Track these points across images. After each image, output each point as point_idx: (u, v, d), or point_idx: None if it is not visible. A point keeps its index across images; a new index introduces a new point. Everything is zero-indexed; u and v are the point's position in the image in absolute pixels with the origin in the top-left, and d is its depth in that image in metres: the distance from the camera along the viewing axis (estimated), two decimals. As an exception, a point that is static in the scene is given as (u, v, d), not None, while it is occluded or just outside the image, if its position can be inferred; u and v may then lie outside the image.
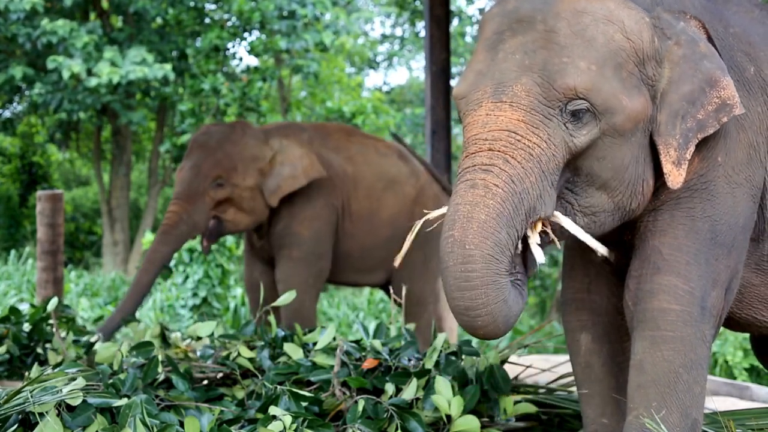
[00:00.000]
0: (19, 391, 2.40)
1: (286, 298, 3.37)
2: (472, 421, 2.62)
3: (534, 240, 2.09)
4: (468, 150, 2.08)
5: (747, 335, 7.34)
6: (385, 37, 19.17)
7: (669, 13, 2.21)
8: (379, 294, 9.58)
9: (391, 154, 5.15)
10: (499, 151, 2.04)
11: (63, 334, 3.55)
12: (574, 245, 2.44)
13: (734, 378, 7.40)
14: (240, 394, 3.00)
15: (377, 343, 3.06)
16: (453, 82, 17.87)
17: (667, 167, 2.16)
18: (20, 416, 2.40)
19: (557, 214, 2.11)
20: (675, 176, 2.15)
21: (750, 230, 2.32)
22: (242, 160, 4.64)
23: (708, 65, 2.18)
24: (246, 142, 4.69)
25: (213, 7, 12.87)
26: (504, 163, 2.03)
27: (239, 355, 3.09)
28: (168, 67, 10.73)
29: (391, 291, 3.59)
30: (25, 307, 3.95)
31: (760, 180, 2.32)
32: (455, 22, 16.67)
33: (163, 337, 3.35)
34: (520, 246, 2.07)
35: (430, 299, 5.17)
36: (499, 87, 2.08)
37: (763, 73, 2.35)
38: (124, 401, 2.49)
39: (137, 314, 8.51)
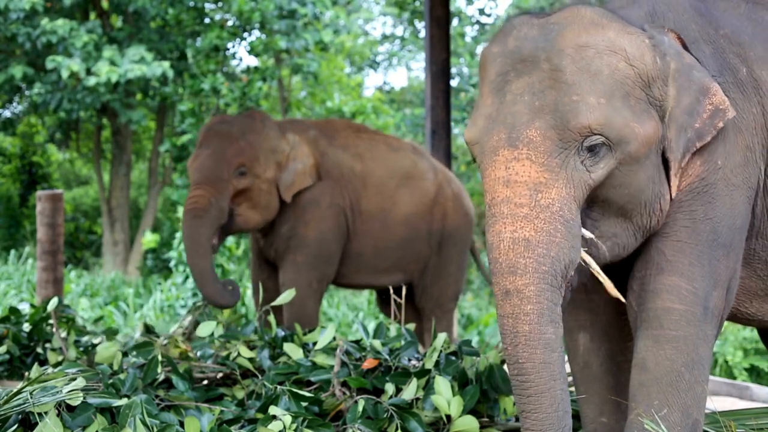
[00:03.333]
0: (19, 391, 2.40)
1: (284, 298, 3.36)
2: (472, 421, 2.62)
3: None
4: (492, 210, 2.09)
5: (747, 335, 7.35)
6: (385, 37, 19.18)
7: (655, 30, 2.23)
8: (376, 296, 9.55)
9: (404, 148, 5.03)
10: (523, 219, 2.06)
11: (63, 334, 3.56)
12: None
13: (734, 378, 7.40)
14: (240, 394, 3.00)
15: (377, 343, 3.06)
16: (453, 82, 17.80)
17: (673, 180, 2.21)
18: (20, 416, 2.40)
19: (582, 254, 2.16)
20: (674, 187, 2.22)
21: (746, 230, 2.35)
22: (263, 152, 4.55)
23: (697, 74, 2.22)
24: (267, 133, 4.60)
25: (213, 7, 12.88)
26: (527, 245, 2.05)
27: (239, 355, 3.09)
28: (166, 64, 10.72)
29: (391, 291, 3.59)
30: (25, 307, 3.96)
31: (755, 181, 2.35)
32: (455, 22, 16.68)
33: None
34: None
35: (450, 302, 5.12)
36: (513, 132, 2.09)
37: (755, 74, 2.37)
38: (124, 401, 2.49)
39: (138, 314, 8.53)
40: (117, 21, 12.94)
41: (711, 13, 2.41)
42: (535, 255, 2.05)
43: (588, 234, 2.15)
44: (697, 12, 2.38)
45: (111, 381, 2.73)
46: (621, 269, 2.40)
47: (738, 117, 2.31)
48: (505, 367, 2.94)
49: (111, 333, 3.54)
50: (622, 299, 2.25)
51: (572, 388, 3.00)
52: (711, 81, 2.22)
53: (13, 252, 11.42)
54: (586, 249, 2.17)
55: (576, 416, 2.88)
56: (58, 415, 2.39)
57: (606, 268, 2.45)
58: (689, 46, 2.29)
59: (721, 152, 2.27)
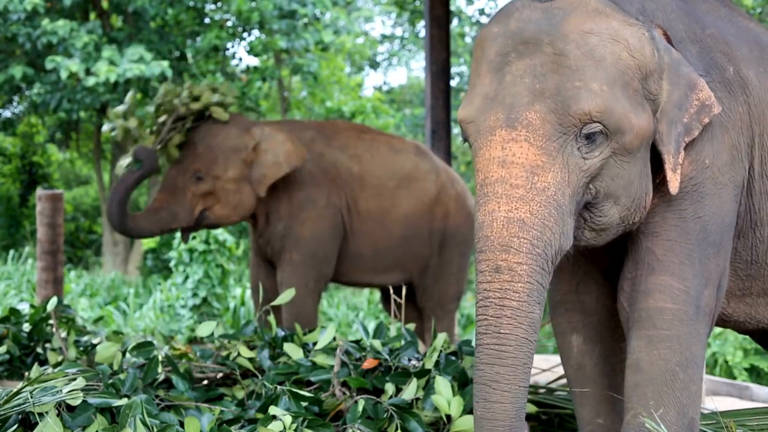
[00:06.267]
0: (19, 391, 2.40)
1: (283, 298, 3.36)
2: (472, 421, 2.61)
3: None
4: (485, 189, 2.07)
5: (747, 336, 7.35)
6: (385, 37, 19.19)
7: (648, 24, 2.24)
8: (379, 294, 9.55)
9: (407, 150, 5.04)
10: (518, 200, 2.05)
11: (63, 334, 3.55)
12: None
13: (734, 378, 7.40)
14: (240, 394, 3.00)
15: (377, 343, 3.06)
16: (453, 82, 17.81)
17: (668, 174, 2.19)
18: (20, 416, 2.41)
19: None
20: (674, 182, 2.19)
21: (733, 229, 2.35)
22: (222, 152, 4.60)
23: (685, 70, 2.23)
24: (227, 133, 4.64)
25: (212, 7, 12.88)
26: (522, 225, 2.03)
27: (239, 355, 3.09)
28: (165, 64, 10.72)
29: (391, 291, 3.59)
30: (25, 307, 3.95)
31: (741, 180, 2.36)
32: (455, 22, 16.69)
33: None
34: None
35: (452, 302, 5.13)
36: (512, 113, 2.07)
37: (742, 73, 2.38)
38: (124, 401, 2.49)
39: (137, 314, 8.54)
40: (117, 21, 12.94)
41: (696, 13, 2.43)
42: (530, 237, 2.04)
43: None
44: (684, 12, 2.39)
45: (111, 381, 2.73)
46: (615, 270, 2.40)
47: (724, 116, 2.32)
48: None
49: (114, 334, 3.55)
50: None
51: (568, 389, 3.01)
52: (698, 76, 2.23)
53: (12, 252, 11.42)
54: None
55: (572, 417, 2.88)
56: (58, 415, 2.39)
57: (599, 270, 2.46)
58: (677, 44, 2.30)
59: (708, 151, 2.28)
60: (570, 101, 2.06)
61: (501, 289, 2.04)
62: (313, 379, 2.95)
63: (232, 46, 13.20)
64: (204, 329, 3.20)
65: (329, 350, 3.08)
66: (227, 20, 12.64)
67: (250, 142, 4.63)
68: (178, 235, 8.35)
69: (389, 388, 2.85)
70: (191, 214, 4.65)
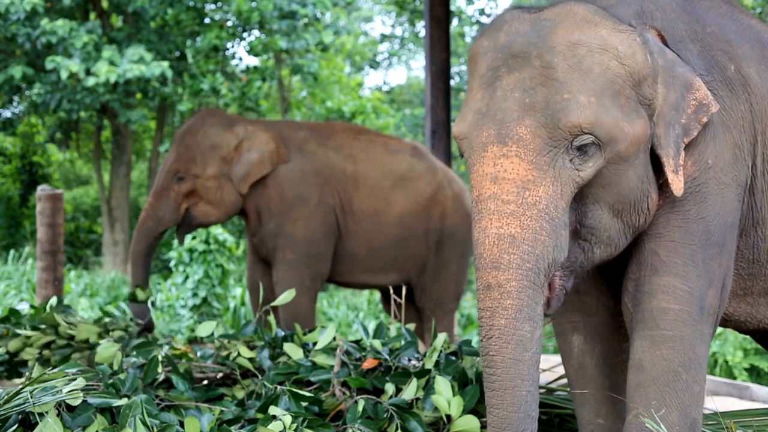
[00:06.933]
0: (19, 391, 2.40)
1: (284, 298, 3.36)
2: (472, 421, 2.62)
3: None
4: (480, 207, 2.09)
5: (747, 336, 7.34)
6: (385, 37, 19.19)
7: (641, 26, 2.23)
8: (379, 294, 9.55)
9: (403, 151, 5.06)
10: (509, 216, 2.06)
11: (63, 334, 3.55)
12: None
13: (734, 378, 7.41)
14: (240, 394, 3.00)
15: (377, 343, 3.06)
16: (453, 82, 17.82)
17: (669, 177, 2.19)
18: (20, 416, 2.40)
19: None
20: (676, 184, 2.19)
21: (736, 228, 2.35)
22: (201, 151, 4.66)
23: (680, 70, 2.22)
24: (205, 131, 4.69)
25: (212, 7, 12.88)
26: (513, 241, 2.04)
27: (239, 355, 3.09)
28: (165, 64, 10.72)
29: (391, 291, 3.59)
30: (25, 307, 3.95)
31: (744, 178, 2.35)
32: (455, 22, 16.69)
33: None
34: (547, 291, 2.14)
35: (451, 302, 5.13)
36: (503, 129, 2.08)
37: (743, 71, 2.38)
38: (124, 401, 2.49)
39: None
40: (117, 21, 12.94)
41: (697, 11, 2.42)
42: (520, 252, 2.05)
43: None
44: (684, 11, 2.38)
45: (111, 381, 2.73)
46: (615, 270, 2.40)
47: (726, 114, 2.31)
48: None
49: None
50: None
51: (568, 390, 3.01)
52: (694, 76, 2.22)
53: (12, 252, 11.42)
54: (580, 250, 2.17)
55: (572, 417, 2.88)
56: (58, 415, 2.39)
57: (600, 270, 2.46)
58: (676, 44, 2.29)
59: (711, 151, 2.28)
60: (559, 114, 2.06)
61: (491, 308, 2.05)
62: (313, 379, 2.95)
63: (232, 46, 13.20)
64: (204, 329, 3.20)
65: (329, 350, 3.07)
66: (227, 20, 12.65)
67: (232, 140, 4.67)
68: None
69: (389, 388, 2.85)
70: (177, 213, 4.71)
